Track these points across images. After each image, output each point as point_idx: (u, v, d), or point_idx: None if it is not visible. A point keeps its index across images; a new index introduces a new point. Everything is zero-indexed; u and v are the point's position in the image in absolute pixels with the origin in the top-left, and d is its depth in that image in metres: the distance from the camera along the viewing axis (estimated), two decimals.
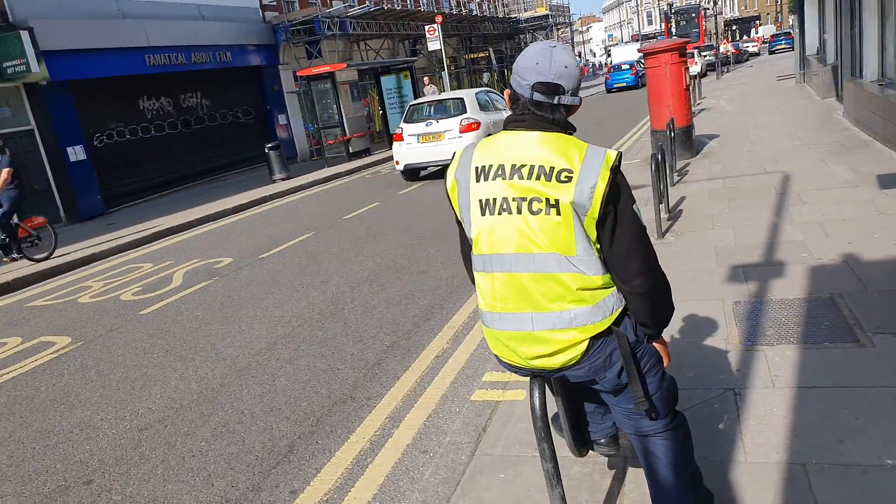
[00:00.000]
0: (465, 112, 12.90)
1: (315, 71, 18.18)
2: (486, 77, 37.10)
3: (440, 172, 13.38)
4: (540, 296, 2.01)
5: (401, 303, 5.86)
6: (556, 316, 2.01)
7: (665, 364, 2.21)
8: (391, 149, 16.09)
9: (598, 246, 1.97)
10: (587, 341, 2.01)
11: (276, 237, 9.73)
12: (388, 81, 20.98)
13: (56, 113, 14.24)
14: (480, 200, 2.02)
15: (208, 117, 19.19)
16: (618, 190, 1.93)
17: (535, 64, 2.00)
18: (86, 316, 6.92)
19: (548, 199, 1.92)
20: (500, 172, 1.99)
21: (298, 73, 19.26)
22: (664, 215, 6.61)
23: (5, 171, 9.64)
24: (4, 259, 10.15)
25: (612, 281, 2.02)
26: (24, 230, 10.11)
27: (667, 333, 4.00)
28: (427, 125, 12.89)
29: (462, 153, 2.13)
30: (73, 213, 14.44)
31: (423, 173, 13.82)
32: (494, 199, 2.00)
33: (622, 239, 1.95)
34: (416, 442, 3.59)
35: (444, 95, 14.39)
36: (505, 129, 2.07)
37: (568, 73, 1.99)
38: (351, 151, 18.58)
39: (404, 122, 13.41)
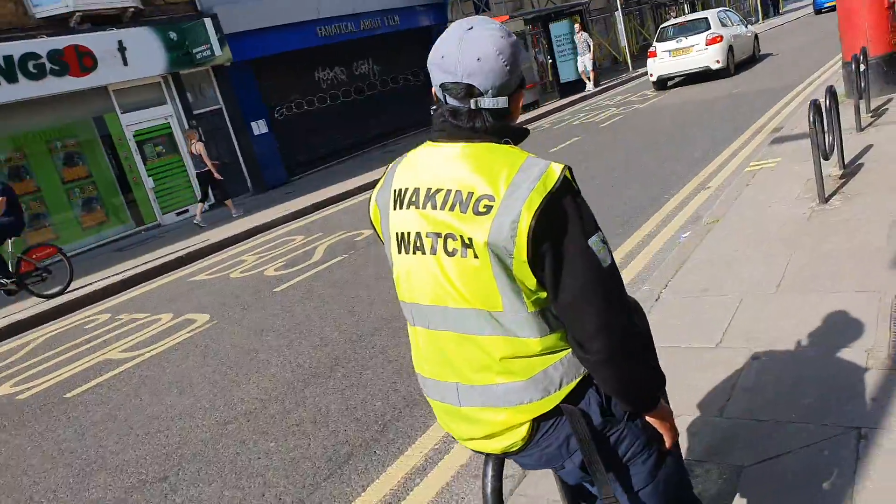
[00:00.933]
0: (710, 28, 15.80)
1: None
2: (673, 13, 33.94)
3: (683, 82, 16.53)
4: (462, 363, 1.53)
5: None
6: (483, 391, 1.52)
7: (667, 444, 1.61)
8: (561, 98, 19.04)
9: (539, 296, 1.43)
10: (529, 424, 1.50)
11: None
12: (557, 28, 19.89)
13: (240, 91, 15.34)
14: (397, 234, 1.56)
15: (380, 83, 19.61)
16: (560, 221, 1.36)
17: (440, 57, 1.48)
18: (230, 292, 7.35)
19: (462, 237, 1.42)
20: (413, 199, 1.52)
21: None
22: (834, 171, 5.39)
23: None
24: None
25: (562, 343, 1.47)
26: (28, 263, 8.81)
27: (788, 334, 3.26)
28: (678, 42, 15.86)
29: (388, 170, 1.66)
30: (259, 183, 15.58)
31: (669, 83, 16.70)
32: (408, 234, 1.53)
33: (570, 288, 1.38)
34: (471, 462, 3.22)
35: (689, 17, 17.52)
36: (429, 139, 1.58)
37: (482, 68, 1.43)
38: None
39: (657, 41, 16.60)
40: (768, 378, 3.06)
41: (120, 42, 13.02)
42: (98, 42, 12.70)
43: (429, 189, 1.48)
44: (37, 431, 4.83)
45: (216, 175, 12.25)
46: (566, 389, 1.47)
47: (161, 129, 14.15)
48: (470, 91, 1.45)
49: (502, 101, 1.46)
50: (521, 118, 16.87)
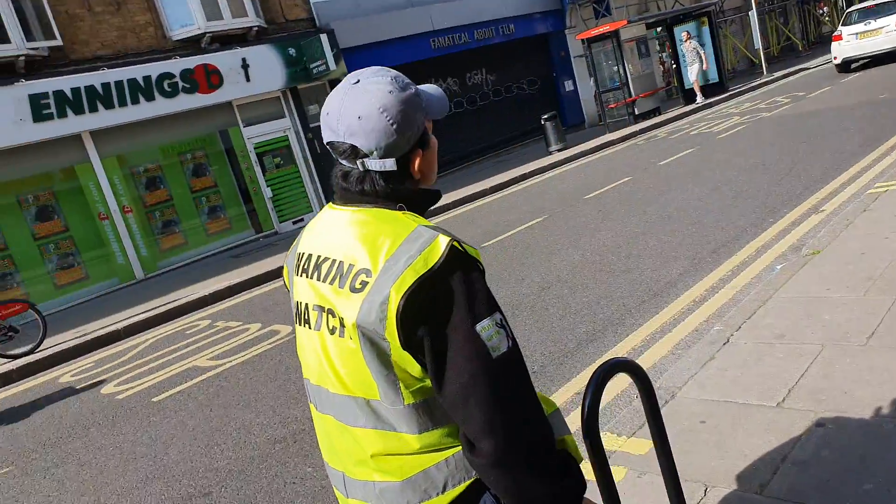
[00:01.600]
0: None
1: (595, 32, 17.22)
2: (824, 9, 31.33)
3: (870, 64, 16.76)
4: (343, 452, 1.41)
5: (597, 303, 5.15)
6: (363, 486, 1.38)
7: None
8: (686, 104, 18.47)
9: (425, 385, 1.27)
10: None
11: (508, 222, 9.47)
12: (682, 31, 18.93)
13: None
14: (296, 303, 1.46)
15: (493, 92, 19.55)
16: (439, 304, 1.20)
17: (326, 114, 1.37)
18: None
19: (338, 315, 1.30)
20: (306, 266, 1.42)
21: (577, 37, 18.48)
22: None
23: None
24: None
25: (448, 441, 1.30)
26: None
27: (867, 400, 2.79)
28: (866, 24, 16.25)
29: (303, 230, 1.56)
30: None
31: (853, 66, 17.09)
32: (301, 304, 1.43)
33: (454, 381, 1.20)
34: None
35: (877, 0, 17.14)
36: (330, 201, 1.47)
37: (363, 127, 1.29)
38: (636, 113, 17.33)
39: (842, 25, 17.05)
40: (829, 452, 2.66)
41: (244, 59, 13.82)
42: (224, 60, 13.56)
43: (318, 257, 1.38)
44: (122, 432, 5.16)
45: None
46: (451, 494, 1.29)
47: (279, 142, 14.88)
48: (354, 151, 1.32)
49: (389, 164, 1.32)
50: (635, 128, 16.24)
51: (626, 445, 3.06)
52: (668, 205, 7.95)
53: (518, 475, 1.22)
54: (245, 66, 13.86)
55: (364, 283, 1.24)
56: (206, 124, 13.83)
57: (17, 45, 11.15)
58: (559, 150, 15.70)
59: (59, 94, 11.52)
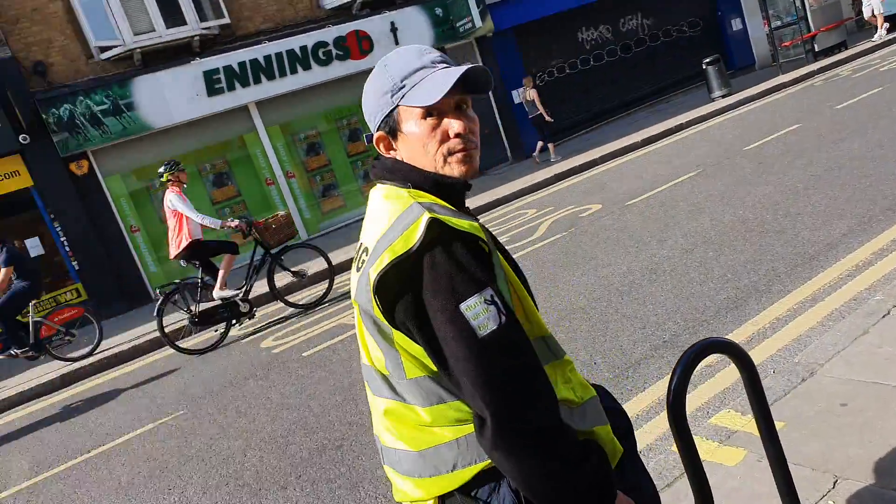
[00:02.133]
0: None
1: None
2: None
3: None
4: (377, 421, 1.45)
5: (744, 267, 4.78)
6: (390, 453, 1.41)
7: None
8: (878, 33, 15.46)
9: (423, 361, 1.27)
10: (432, 502, 1.33)
11: (656, 178, 8.94)
12: None
13: (502, 59, 15.62)
14: None
15: (649, 37, 18.37)
16: (417, 284, 1.19)
17: None
18: None
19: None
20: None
21: None
22: None
23: (3, 270, 8.03)
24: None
25: (460, 418, 1.28)
26: (50, 327, 8.41)
27: None
28: None
29: None
30: (518, 151, 15.83)
31: None
32: None
33: (449, 360, 1.20)
34: None
35: None
36: None
37: (364, 101, 1.40)
38: (816, 50, 15.54)
39: None
40: None
41: (392, 23, 14.09)
42: (374, 25, 13.91)
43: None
44: (274, 384, 5.62)
45: (548, 118, 13.35)
46: (460, 474, 1.28)
47: None
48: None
49: (371, 137, 1.39)
50: (813, 66, 14.55)
51: (750, 425, 2.81)
52: (841, 155, 7.09)
53: (518, 459, 1.17)
54: (394, 29, 14.13)
55: (362, 262, 1.30)
56: (360, 90, 14.28)
57: (193, 27, 12.17)
58: (722, 97, 14.52)
59: (228, 70, 12.46)
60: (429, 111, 1.30)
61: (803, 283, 4.30)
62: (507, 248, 6.17)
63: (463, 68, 1.29)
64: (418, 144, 1.32)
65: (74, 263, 11.40)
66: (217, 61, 12.39)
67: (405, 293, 1.20)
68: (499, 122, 15.85)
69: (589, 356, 4.28)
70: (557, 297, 5.56)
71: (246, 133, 13.14)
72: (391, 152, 1.39)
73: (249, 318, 7.89)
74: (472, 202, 11.39)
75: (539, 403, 1.18)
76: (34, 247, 11.32)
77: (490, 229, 6.41)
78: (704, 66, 14.88)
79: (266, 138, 13.24)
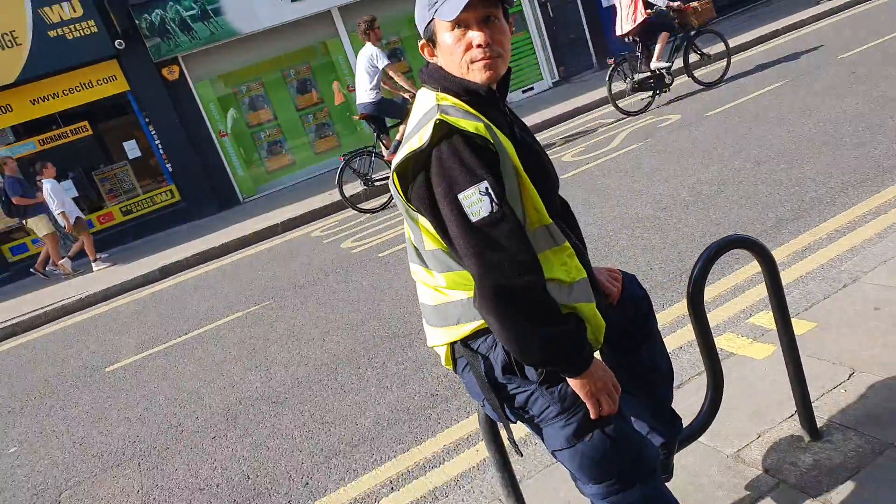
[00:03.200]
0: None
1: None
2: None
3: None
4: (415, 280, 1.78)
5: (813, 180, 4.76)
6: (423, 307, 1.73)
7: (592, 414, 1.55)
8: None
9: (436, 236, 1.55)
10: (446, 348, 1.65)
11: (740, 88, 8.60)
12: None
13: None
14: None
15: None
16: (429, 173, 1.45)
17: None
18: None
19: None
20: None
21: None
22: None
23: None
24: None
25: (466, 284, 1.55)
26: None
27: None
28: None
29: None
30: (604, 58, 15.30)
31: None
32: None
33: (451, 238, 1.48)
34: None
35: None
36: None
37: (415, 11, 1.59)
38: None
39: None
40: None
41: None
42: None
43: None
44: (352, 280, 6.05)
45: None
46: (463, 328, 1.57)
47: (513, 9, 14.71)
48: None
49: (420, 45, 1.60)
50: None
51: None
52: None
53: (495, 315, 1.44)
54: None
55: (397, 145, 1.56)
56: None
57: None
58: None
59: None
60: (457, 23, 1.49)
61: (870, 196, 4.26)
62: (585, 155, 6.11)
63: None
64: (448, 53, 1.53)
65: (168, 166, 12.17)
66: None
67: (417, 180, 1.46)
68: (585, 27, 15.34)
69: (646, 262, 4.43)
70: (624, 206, 5.67)
71: (329, 39, 13.33)
72: (433, 58, 1.60)
73: (668, 90, 9.27)
74: (552, 110, 11.30)
75: (523, 271, 1.42)
76: (131, 149, 12.12)
77: (571, 138, 6.43)
78: None
79: (348, 44, 13.38)
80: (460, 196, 1.41)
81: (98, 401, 4.96)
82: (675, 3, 8.91)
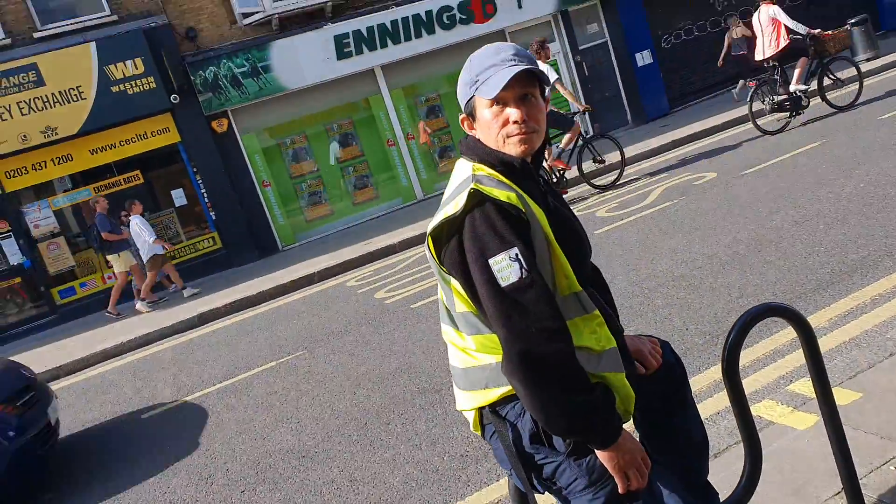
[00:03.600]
0: None
1: None
2: None
3: None
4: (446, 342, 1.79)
5: (854, 241, 4.67)
6: (453, 369, 1.73)
7: (620, 489, 1.52)
8: None
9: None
10: (474, 413, 1.64)
11: (777, 147, 8.55)
12: None
13: (626, 21, 15.17)
14: None
15: None
16: (462, 240, 1.50)
17: None
18: None
19: None
20: None
21: None
22: None
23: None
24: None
25: (495, 348, 1.56)
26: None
27: None
28: None
29: None
30: (639, 115, 15.44)
31: None
32: None
33: (483, 303, 1.51)
34: None
35: None
36: None
37: (457, 88, 1.70)
38: None
39: None
40: None
41: None
42: None
43: None
44: (384, 331, 6.07)
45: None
46: (491, 392, 1.57)
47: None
48: None
49: (461, 119, 1.68)
50: None
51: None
52: None
53: (526, 384, 1.44)
54: None
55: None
56: None
57: None
58: (867, 60, 13.42)
59: (357, 34, 13.01)
60: (496, 100, 1.56)
61: None
62: (620, 211, 6.09)
63: (520, 67, 1.53)
64: (486, 127, 1.60)
65: (212, 214, 12.52)
66: (347, 26, 12.97)
67: (451, 244, 1.51)
68: (620, 85, 15.51)
69: (682, 322, 4.36)
70: (659, 264, 5.61)
71: (371, 95, 13.71)
72: (472, 131, 1.67)
73: (803, 112, 9.67)
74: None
75: (551, 338, 1.43)
76: (178, 197, 12.53)
77: (604, 195, 6.42)
78: (849, 26, 13.76)
79: (389, 100, 13.75)
80: (491, 261, 1.45)
81: (132, 448, 5.01)
82: (816, 31, 9.33)
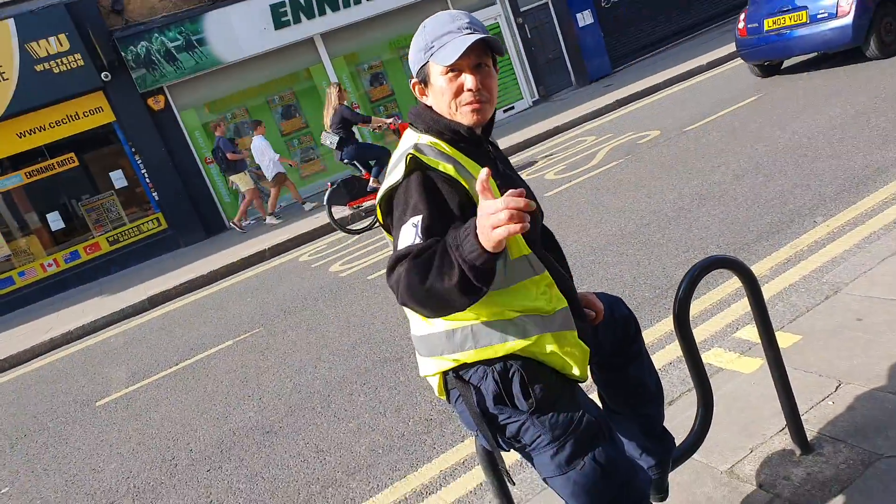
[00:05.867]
0: None
1: None
2: None
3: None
4: None
5: (791, 192, 4.85)
6: (413, 337, 1.75)
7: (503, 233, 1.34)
8: None
9: None
10: (438, 378, 1.67)
11: (717, 103, 8.76)
12: None
13: None
14: None
15: None
16: (396, 202, 1.55)
17: None
18: None
19: None
20: None
21: None
22: None
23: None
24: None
25: (447, 318, 1.59)
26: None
27: None
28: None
29: None
30: (583, 76, 15.56)
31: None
32: None
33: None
34: None
35: None
36: None
37: (409, 53, 1.70)
38: None
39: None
40: None
41: None
42: None
43: None
44: (341, 304, 6.06)
45: None
46: (446, 359, 1.61)
47: (490, 29, 14.91)
48: None
49: (412, 84, 1.70)
50: None
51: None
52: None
53: (410, 295, 1.44)
54: None
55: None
56: (423, 18, 14.24)
57: None
58: None
59: (293, 2, 12.65)
60: (450, 68, 1.56)
61: (847, 207, 4.35)
62: (568, 173, 6.15)
63: (477, 36, 1.54)
64: (439, 94, 1.60)
65: (155, 194, 12.17)
66: None
67: (389, 206, 1.56)
68: (563, 46, 15.57)
69: (632, 277, 4.49)
70: (608, 223, 5.74)
71: (312, 65, 13.42)
72: (423, 97, 1.67)
73: None
74: (533, 129, 11.44)
75: (406, 289, 1.42)
76: (118, 179, 12.12)
77: (552, 156, 6.49)
78: None
79: (331, 70, 13.49)
80: (402, 227, 1.47)
81: (89, 436, 4.92)
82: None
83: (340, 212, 9.02)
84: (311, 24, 12.91)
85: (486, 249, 1.27)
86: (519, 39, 14.98)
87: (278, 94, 13.38)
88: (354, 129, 8.84)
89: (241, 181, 11.38)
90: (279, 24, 12.62)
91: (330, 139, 8.60)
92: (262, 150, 11.16)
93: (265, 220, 11.54)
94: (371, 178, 8.84)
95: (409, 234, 1.44)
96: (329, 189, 8.65)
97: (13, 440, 5.34)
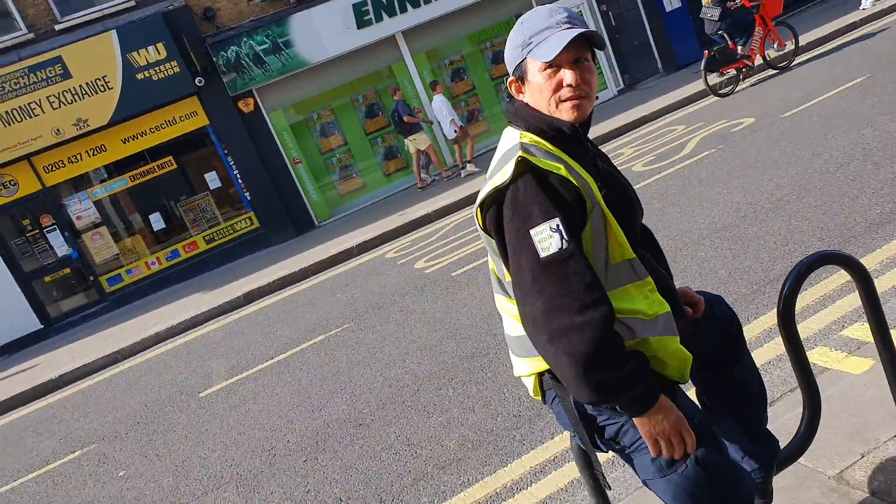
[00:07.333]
0: None
1: None
2: None
3: None
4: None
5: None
6: (507, 337, 1.77)
7: (652, 453, 1.53)
8: None
9: None
10: (534, 379, 1.68)
11: (816, 87, 8.28)
12: None
13: None
14: None
15: None
16: (507, 209, 1.52)
17: None
18: None
19: None
20: None
21: None
22: None
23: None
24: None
25: None
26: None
27: None
28: None
29: None
30: (670, 63, 15.07)
31: None
32: None
33: (516, 269, 1.52)
34: None
35: None
36: None
37: (505, 50, 1.69)
38: None
39: None
40: None
41: None
42: None
43: None
44: (427, 300, 6.15)
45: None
46: (538, 360, 1.61)
47: None
48: None
49: (508, 82, 1.68)
50: None
51: None
52: None
53: (554, 359, 1.46)
54: None
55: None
56: (504, 10, 14.17)
57: None
58: (875, 2, 12.84)
59: (375, 1, 12.86)
60: (549, 64, 1.55)
61: None
62: (657, 164, 6.03)
63: (578, 30, 1.52)
64: (538, 91, 1.59)
65: (247, 194, 12.68)
66: None
67: (494, 215, 1.53)
68: (649, 32, 15.13)
69: (727, 273, 4.33)
70: (700, 216, 5.56)
71: (394, 63, 13.62)
72: (520, 95, 1.66)
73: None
74: (619, 119, 11.20)
75: (578, 312, 1.42)
76: (212, 180, 12.70)
77: (639, 147, 6.41)
78: None
79: (413, 66, 13.64)
80: (532, 231, 1.46)
81: (195, 425, 5.21)
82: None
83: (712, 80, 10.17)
84: (392, 21, 13.09)
85: (635, 412, 1.49)
86: (603, 27, 14.66)
87: (362, 93, 13.65)
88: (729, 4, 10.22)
89: (418, 141, 12.13)
90: (362, 23, 12.87)
91: (711, 11, 10.29)
92: (440, 108, 11.97)
93: (443, 177, 12.54)
94: (738, 48, 10.26)
95: (553, 239, 1.44)
96: (706, 57, 10.07)
97: (128, 426, 5.71)
